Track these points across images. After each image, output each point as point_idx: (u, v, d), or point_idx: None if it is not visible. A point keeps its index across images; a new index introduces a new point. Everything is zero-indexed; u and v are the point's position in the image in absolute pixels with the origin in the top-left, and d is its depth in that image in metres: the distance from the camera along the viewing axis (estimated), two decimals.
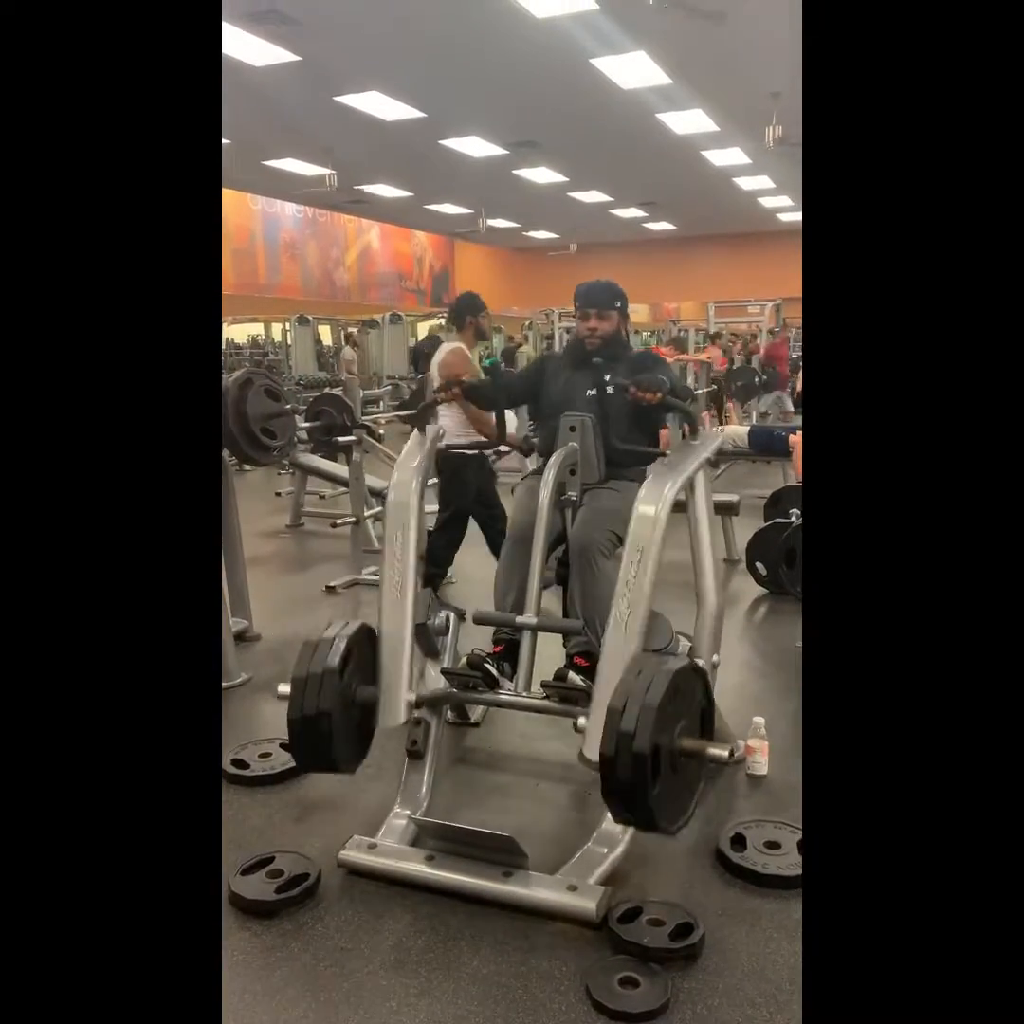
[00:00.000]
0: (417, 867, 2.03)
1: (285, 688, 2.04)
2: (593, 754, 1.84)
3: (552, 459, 2.50)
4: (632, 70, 8.26)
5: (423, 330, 14.72)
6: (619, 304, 2.77)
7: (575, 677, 2.33)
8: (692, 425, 2.33)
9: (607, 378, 2.60)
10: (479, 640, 2.66)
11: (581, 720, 2.04)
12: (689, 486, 2.28)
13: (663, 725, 1.76)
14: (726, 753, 1.85)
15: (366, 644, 2.18)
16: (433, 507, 5.85)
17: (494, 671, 2.32)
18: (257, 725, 2.91)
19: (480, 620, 2.39)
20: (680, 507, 2.26)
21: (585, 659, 2.46)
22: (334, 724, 1.99)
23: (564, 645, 2.70)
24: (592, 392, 2.69)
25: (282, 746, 2.63)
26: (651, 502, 2.11)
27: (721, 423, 7.31)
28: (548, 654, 2.54)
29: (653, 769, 1.73)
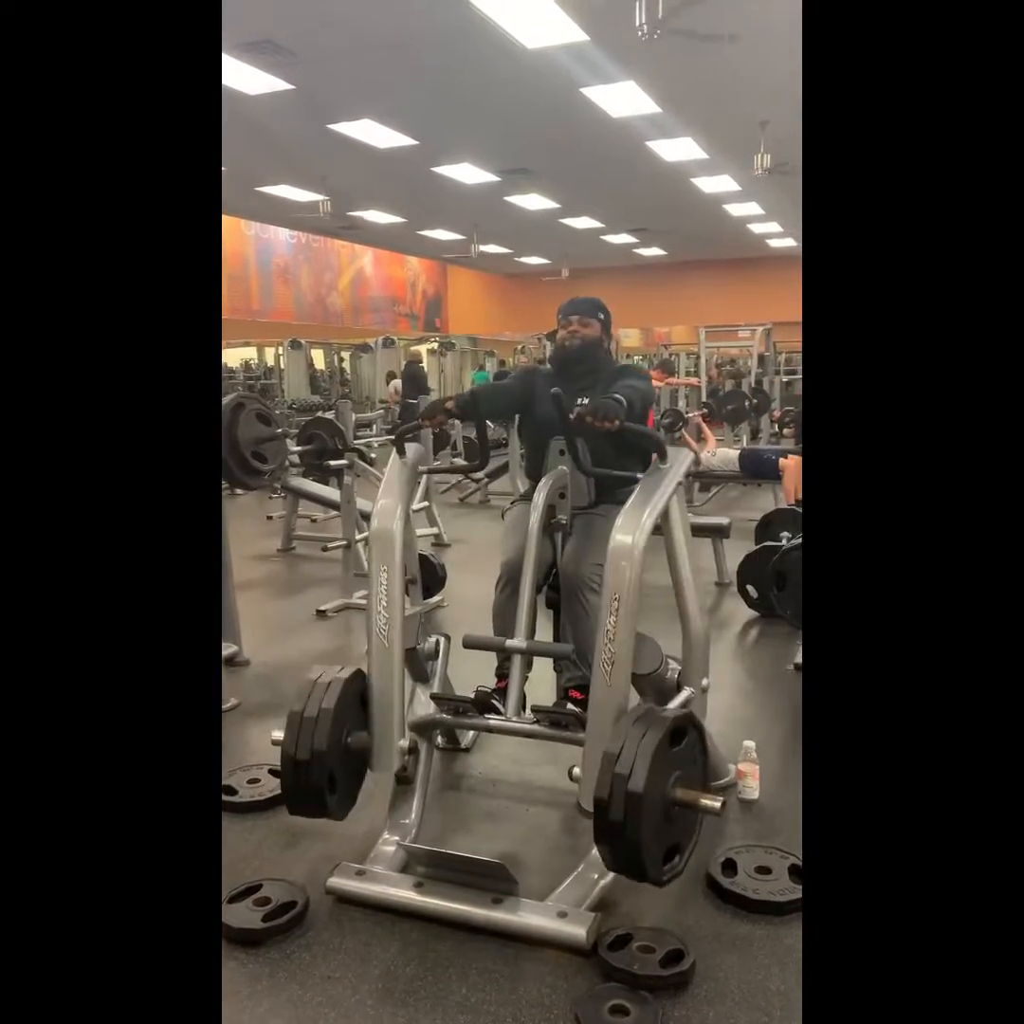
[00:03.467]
0: (406, 894, 2.02)
1: (279, 734, 2.04)
2: (588, 804, 1.83)
3: (541, 483, 2.50)
4: (622, 99, 8.36)
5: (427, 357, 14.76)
6: (602, 316, 2.79)
7: (571, 707, 2.32)
8: (660, 450, 2.30)
9: (579, 402, 2.53)
10: (470, 665, 2.66)
11: (576, 770, 2.03)
12: (664, 512, 2.23)
13: (657, 777, 1.76)
14: (718, 805, 1.84)
15: (359, 688, 2.16)
16: (423, 530, 5.88)
17: (501, 707, 2.30)
18: (246, 751, 2.89)
19: (470, 644, 2.38)
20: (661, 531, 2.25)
21: (581, 692, 2.45)
22: (327, 775, 2.00)
23: (554, 669, 2.70)
24: (572, 416, 2.65)
25: (271, 772, 2.62)
26: (626, 533, 2.06)
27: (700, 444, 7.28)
28: (543, 681, 2.54)
29: (646, 822, 1.72)
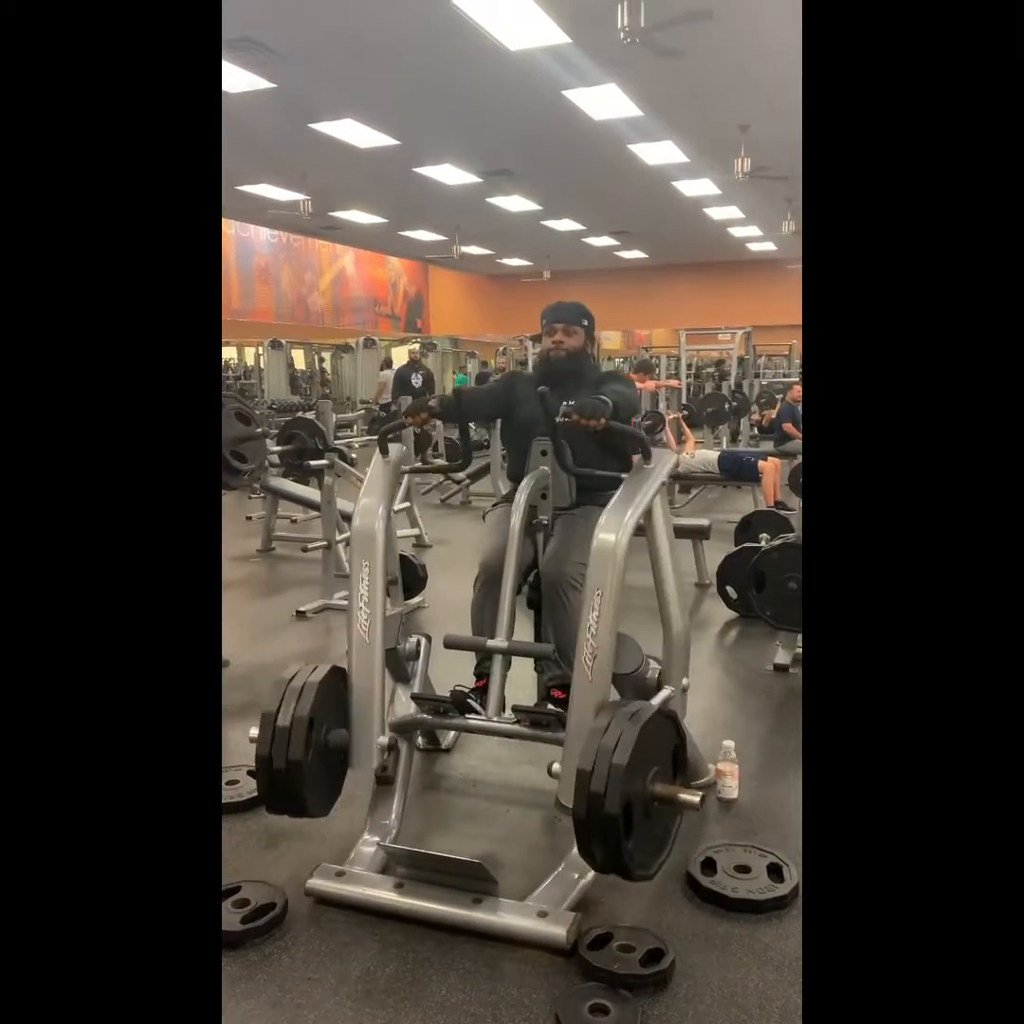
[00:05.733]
0: (386, 895, 2.01)
1: (255, 732, 2.01)
2: (568, 800, 1.83)
3: (523, 483, 2.50)
4: (604, 102, 8.40)
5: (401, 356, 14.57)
6: (586, 322, 2.75)
7: (552, 707, 2.32)
8: (644, 449, 2.30)
9: (565, 403, 2.53)
10: (451, 666, 2.65)
11: (555, 766, 2.03)
12: (647, 512, 2.24)
13: (634, 776, 1.76)
14: (697, 799, 1.84)
15: (337, 685, 2.14)
16: (405, 531, 5.86)
17: (478, 707, 2.30)
18: (224, 752, 2.87)
19: (451, 644, 2.38)
20: (644, 531, 2.26)
21: (563, 691, 2.45)
22: (304, 772, 1.97)
23: (535, 669, 2.70)
24: (559, 419, 2.67)
25: (249, 773, 2.60)
26: (610, 532, 2.07)
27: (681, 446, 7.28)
28: (522, 682, 2.54)
29: (626, 823, 1.73)
